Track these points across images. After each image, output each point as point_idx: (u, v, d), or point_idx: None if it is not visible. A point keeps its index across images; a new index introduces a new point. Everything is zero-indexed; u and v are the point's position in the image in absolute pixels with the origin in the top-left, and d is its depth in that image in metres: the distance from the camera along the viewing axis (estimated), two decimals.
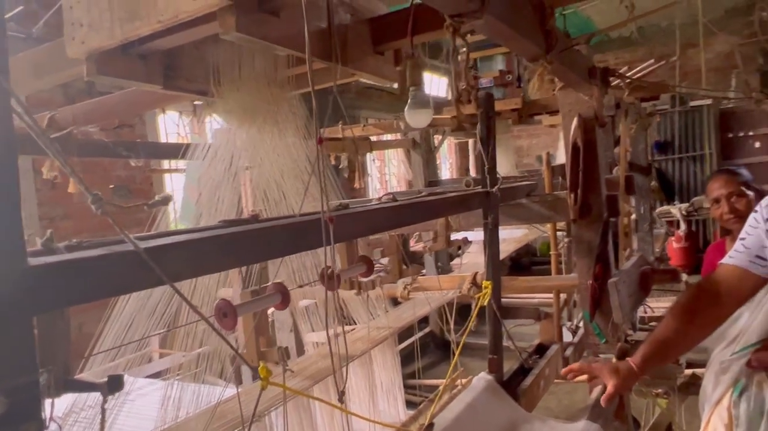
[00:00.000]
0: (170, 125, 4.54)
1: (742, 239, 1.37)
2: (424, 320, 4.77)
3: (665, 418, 2.45)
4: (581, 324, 2.82)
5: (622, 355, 1.87)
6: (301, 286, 1.23)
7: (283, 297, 1.02)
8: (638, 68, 3.07)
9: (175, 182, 4.31)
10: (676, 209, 6.63)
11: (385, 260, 2.07)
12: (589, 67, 1.80)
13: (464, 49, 1.03)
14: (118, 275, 0.63)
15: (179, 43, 1.28)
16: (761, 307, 1.70)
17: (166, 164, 4.12)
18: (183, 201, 2.53)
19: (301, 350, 1.91)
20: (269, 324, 1.03)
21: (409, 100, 1.36)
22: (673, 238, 6.50)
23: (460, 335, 2.06)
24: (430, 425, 1.32)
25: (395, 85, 1.65)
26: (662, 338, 1.49)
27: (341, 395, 0.96)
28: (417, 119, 1.29)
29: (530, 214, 2.16)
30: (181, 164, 4.11)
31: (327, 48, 1.29)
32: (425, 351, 4.90)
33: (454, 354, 1.82)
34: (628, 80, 2.33)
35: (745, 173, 2.08)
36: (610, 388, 1.48)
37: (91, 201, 0.66)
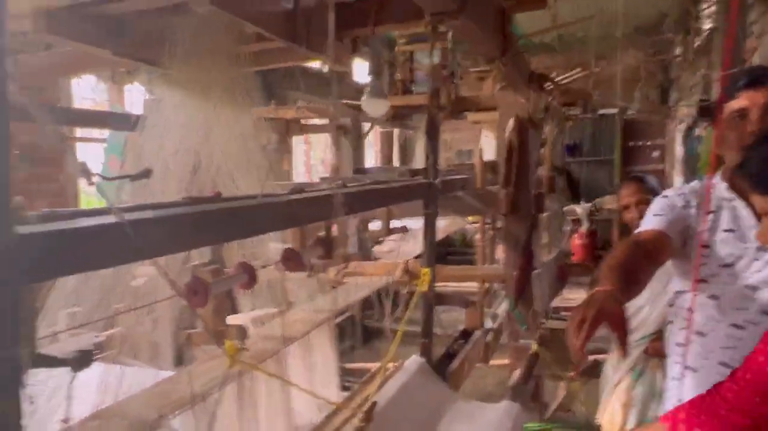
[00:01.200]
0: (85, 90, 4.23)
1: (657, 214, 1.32)
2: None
3: (569, 399, 2.68)
4: (499, 311, 3.01)
5: (542, 341, 2.03)
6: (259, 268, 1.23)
7: (249, 277, 1.02)
8: (566, 75, 3.28)
9: (89, 150, 4.03)
10: (581, 209, 7.17)
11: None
12: (528, 72, 1.91)
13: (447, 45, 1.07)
14: (111, 246, 0.62)
15: (135, 8, 1.23)
16: (659, 301, 1.90)
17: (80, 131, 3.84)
18: (102, 172, 2.40)
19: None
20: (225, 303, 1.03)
21: (368, 89, 1.39)
22: (576, 235, 7.03)
23: (393, 321, 2.13)
24: (373, 403, 1.37)
25: (325, 68, 1.65)
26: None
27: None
28: (375, 107, 1.32)
29: (465, 206, 2.27)
30: (96, 132, 3.86)
31: (291, 29, 1.29)
32: (343, 336, 4.96)
33: (381, 339, 1.88)
34: (558, 86, 2.49)
35: (652, 180, 2.30)
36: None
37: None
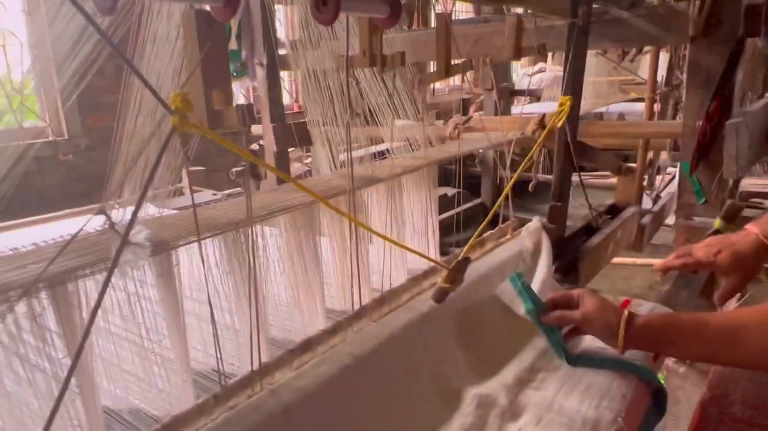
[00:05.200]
0: None
1: None
2: (476, 193, 4.33)
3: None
4: (664, 194, 2.35)
5: (730, 216, 1.42)
6: None
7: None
8: None
9: None
10: None
11: None
12: None
13: None
14: None
15: None
16: None
17: None
18: None
19: None
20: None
21: None
22: None
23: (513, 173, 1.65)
24: (466, 259, 0.96)
25: None
26: None
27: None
28: None
29: (630, 32, 1.62)
30: None
31: None
32: (470, 224, 4.53)
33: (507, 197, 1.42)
34: None
35: None
36: (731, 283, 1.03)
37: None
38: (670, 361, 1.69)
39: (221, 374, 0.84)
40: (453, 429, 0.82)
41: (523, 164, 1.41)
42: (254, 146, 3.20)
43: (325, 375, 0.81)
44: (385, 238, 0.99)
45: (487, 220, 1.05)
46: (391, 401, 0.85)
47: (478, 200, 4.19)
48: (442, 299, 0.96)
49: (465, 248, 1.00)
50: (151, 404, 0.99)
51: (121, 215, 0.81)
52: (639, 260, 3.15)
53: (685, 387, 1.66)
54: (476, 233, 1.03)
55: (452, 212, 2.82)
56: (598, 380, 0.94)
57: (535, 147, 1.38)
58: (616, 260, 3.14)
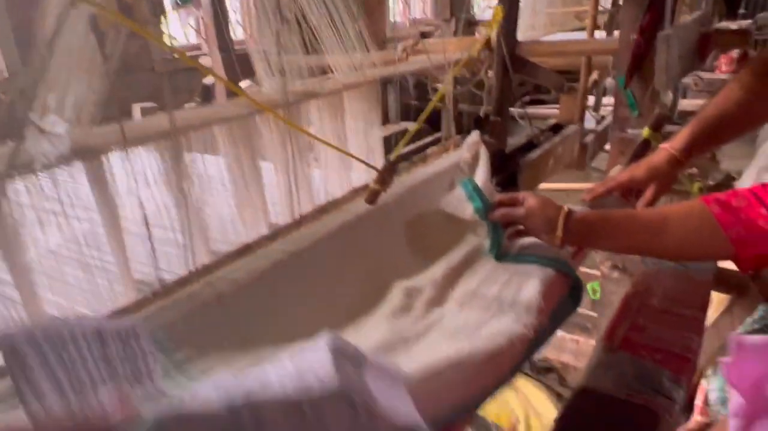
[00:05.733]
0: None
1: None
2: (437, 127, 4.34)
3: None
4: (608, 116, 2.42)
5: (657, 125, 1.49)
6: None
7: None
8: None
9: None
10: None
11: None
12: None
13: None
14: None
15: None
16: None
17: None
18: None
19: None
20: None
21: None
22: (723, 58, 5.76)
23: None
24: (396, 161, 0.99)
25: None
26: (719, 112, 1.09)
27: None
28: None
29: None
30: None
31: None
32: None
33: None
34: None
35: None
36: (649, 194, 1.13)
37: None
38: (605, 268, 1.81)
39: (159, 273, 0.88)
40: (379, 314, 0.88)
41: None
42: (207, 80, 3.11)
43: (260, 269, 0.85)
44: (324, 142, 1.01)
45: (415, 128, 1.08)
46: (322, 293, 0.90)
47: (438, 134, 4.22)
48: (373, 201, 1.00)
49: (395, 150, 1.04)
50: (95, 311, 1.02)
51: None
52: (575, 185, 3.26)
53: (618, 292, 1.78)
54: (406, 136, 1.06)
55: (412, 146, 2.85)
56: (520, 270, 1.01)
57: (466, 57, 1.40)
58: (552, 185, 3.23)
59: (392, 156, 1.00)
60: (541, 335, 0.88)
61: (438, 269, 1.03)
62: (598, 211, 1.05)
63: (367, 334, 0.82)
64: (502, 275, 1.01)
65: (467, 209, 1.08)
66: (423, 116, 1.14)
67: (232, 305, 0.78)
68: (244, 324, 0.77)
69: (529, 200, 1.00)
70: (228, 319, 0.76)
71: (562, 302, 1.02)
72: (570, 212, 0.95)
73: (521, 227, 1.05)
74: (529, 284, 0.96)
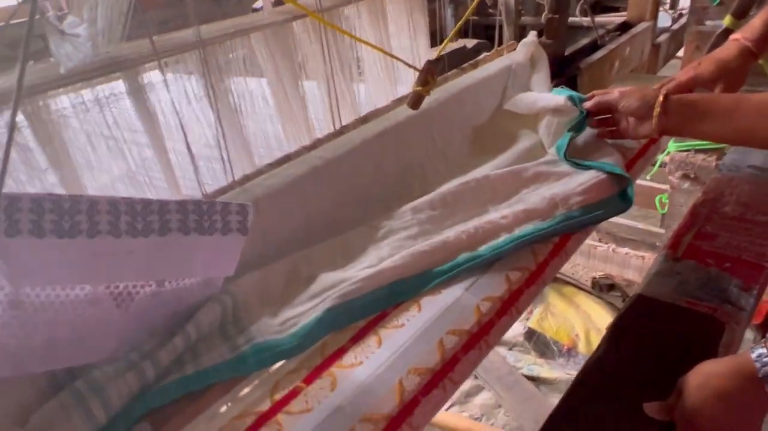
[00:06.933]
0: None
1: None
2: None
3: None
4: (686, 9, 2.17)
5: (741, 11, 1.31)
6: None
7: None
8: None
9: None
10: None
11: None
12: None
13: None
14: None
15: None
16: None
17: None
18: None
19: None
20: None
21: None
22: None
23: None
24: (437, 60, 0.93)
25: None
26: None
27: None
28: None
29: None
30: None
31: None
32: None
33: None
34: None
35: None
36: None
37: None
38: (674, 178, 1.68)
39: (202, 186, 0.88)
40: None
41: None
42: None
43: (294, 175, 0.83)
44: (367, 43, 0.96)
45: (458, 26, 0.99)
46: (355, 201, 0.88)
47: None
48: (417, 105, 0.95)
49: (438, 50, 0.97)
50: None
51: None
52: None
53: (688, 203, 1.66)
54: (452, 33, 0.99)
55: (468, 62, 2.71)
56: (574, 173, 0.95)
57: None
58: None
59: (434, 56, 0.94)
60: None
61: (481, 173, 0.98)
62: (701, 93, 0.95)
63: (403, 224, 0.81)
64: (554, 174, 0.96)
65: (555, 100, 1.03)
66: (468, 12, 1.04)
67: (265, 211, 0.77)
68: (278, 229, 0.77)
69: (624, 88, 0.96)
70: (261, 225, 0.76)
71: (613, 195, 0.95)
72: (669, 94, 0.87)
73: (612, 128, 1.00)
74: (579, 181, 0.92)
